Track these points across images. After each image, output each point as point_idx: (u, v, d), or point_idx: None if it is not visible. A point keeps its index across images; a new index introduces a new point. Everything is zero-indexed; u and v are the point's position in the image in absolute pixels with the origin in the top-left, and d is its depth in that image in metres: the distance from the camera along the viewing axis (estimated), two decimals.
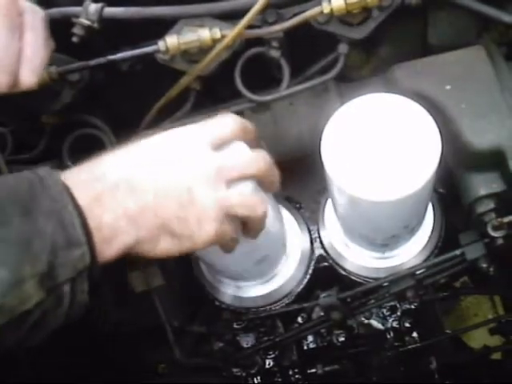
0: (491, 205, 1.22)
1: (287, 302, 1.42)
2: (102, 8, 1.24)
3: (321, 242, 1.42)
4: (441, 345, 1.54)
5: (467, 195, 1.25)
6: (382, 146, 1.07)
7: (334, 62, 1.30)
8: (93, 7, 1.23)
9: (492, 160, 1.19)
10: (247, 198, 1.01)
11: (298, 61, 1.33)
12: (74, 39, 1.23)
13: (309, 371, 1.53)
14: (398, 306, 1.52)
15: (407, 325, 1.51)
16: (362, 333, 1.52)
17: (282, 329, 1.49)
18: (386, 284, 1.34)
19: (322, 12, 1.23)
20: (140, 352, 1.60)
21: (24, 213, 0.85)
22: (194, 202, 0.96)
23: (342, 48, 1.28)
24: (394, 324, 1.51)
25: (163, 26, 1.26)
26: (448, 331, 1.62)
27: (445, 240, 1.37)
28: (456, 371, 1.58)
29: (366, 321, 1.52)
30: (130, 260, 1.06)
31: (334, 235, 1.40)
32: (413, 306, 1.50)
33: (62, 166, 1.32)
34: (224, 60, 1.27)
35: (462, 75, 1.24)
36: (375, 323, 1.52)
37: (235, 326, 1.47)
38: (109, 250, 0.92)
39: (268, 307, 1.42)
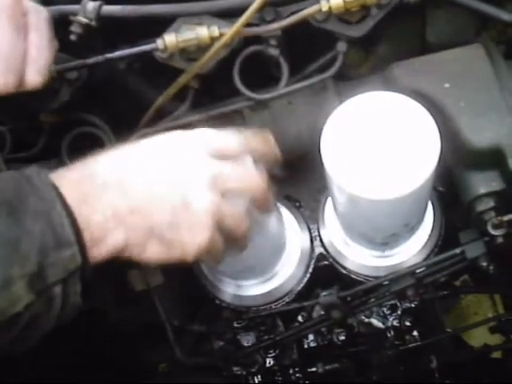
0: (491, 203, 1.22)
1: (287, 300, 1.42)
2: (100, 6, 1.24)
3: (321, 241, 1.42)
4: (441, 343, 1.54)
5: (467, 193, 1.24)
6: (382, 145, 1.07)
7: (332, 60, 1.30)
8: (91, 5, 1.23)
9: (491, 158, 1.19)
10: (237, 212, 1.00)
11: (297, 59, 1.33)
12: (72, 37, 1.22)
13: (309, 370, 1.53)
14: (398, 304, 1.52)
15: (407, 323, 1.51)
16: (363, 331, 1.52)
17: (283, 327, 1.49)
18: (386, 283, 1.34)
19: (320, 10, 1.22)
20: (140, 351, 1.61)
21: (11, 213, 0.84)
22: (187, 208, 0.94)
23: (341, 46, 1.28)
24: (395, 323, 1.51)
25: (161, 24, 1.25)
26: (448, 330, 1.62)
27: (445, 238, 1.37)
28: (456, 370, 1.58)
29: (367, 319, 1.52)
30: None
31: (334, 234, 1.40)
32: (413, 305, 1.50)
33: (61, 165, 1.32)
34: (222, 58, 1.27)
35: (461, 73, 1.23)
36: (375, 322, 1.52)
37: (235, 324, 1.47)
38: (98, 250, 0.91)
39: (268, 306, 1.42)
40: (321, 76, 1.31)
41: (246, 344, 1.48)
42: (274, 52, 1.28)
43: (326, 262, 1.42)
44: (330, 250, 1.41)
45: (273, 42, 1.26)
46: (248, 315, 1.43)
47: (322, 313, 1.40)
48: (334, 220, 1.37)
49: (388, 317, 1.52)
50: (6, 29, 1.02)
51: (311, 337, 1.53)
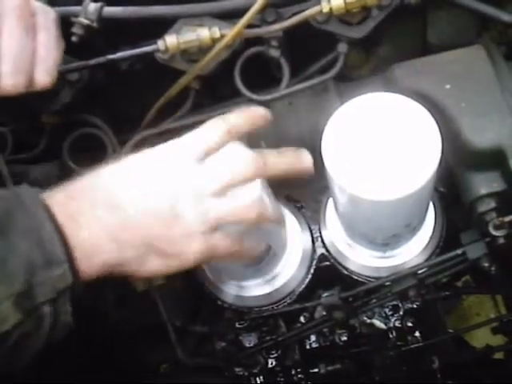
0: (492, 204, 1.22)
1: (289, 301, 1.42)
2: (102, 7, 1.24)
3: (322, 242, 1.42)
4: (443, 344, 1.54)
5: (468, 194, 1.24)
6: (383, 146, 1.07)
7: (333, 61, 1.30)
8: (92, 6, 1.23)
9: (492, 159, 1.19)
10: (239, 204, 1.00)
11: (298, 60, 1.33)
12: (74, 38, 1.23)
13: (311, 371, 1.53)
14: (400, 305, 1.51)
15: (409, 324, 1.50)
16: (365, 332, 1.51)
17: (285, 328, 1.48)
18: (387, 283, 1.34)
19: (321, 11, 1.23)
20: (141, 352, 1.60)
21: None
22: (178, 220, 0.94)
23: (342, 47, 1.28)
24: (397, 323, 1.51)
25: (162, 26, 1.26)
26: (450, 330, 1.62)
27: (446, 239, 1.36)
28: (458, 371, 1.57)
29: (369, 320, 1.52)
30: None
31: (335, 234, 1.40)
32: (415, 306, 1.50)
33: (63, 166, 1.32)
34: (223, 59, 1.27)
35: (462, 74, 1.23)
36: (377, 322, 1.52)
37: (237, 325, 1.47)
38: (89, 267, 0.90)
39: (270, 307, 1.42)
40: (322, 77, 1.31)
41: (247, 345, 1.48)
42: (275, 53, 1.28)
43: (328, 263, 1.42)
44: (331, 250, 1.41)
45: (274, 43, 1.27)
46: (250, 316, 1.43)
47: (324, 313, 1.40)
48: (336, 221, 1.37)
49: (390, 317, 1.52)
50: (15, 29, 1.03)
51: (313, 337, 1.53)
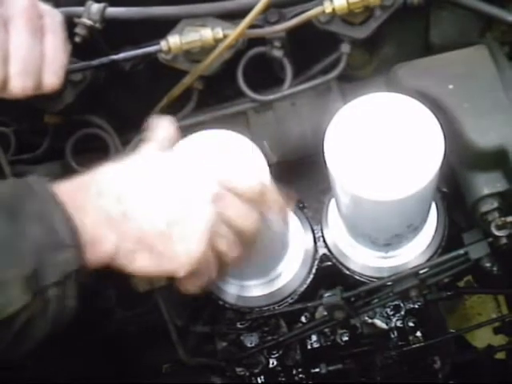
0: (495, 204, 1.22)
1: (291, 301, 1.42)
2: (104, 8, 1.24)
3: (324, 242, 1.42)
4: (445, 344, 1.54)
5: (470, 194, 1.24)
6: (385, 146, 1.07)
7: (336, 61, 1.31)
8: (95, 7, 1.24)
9: (495, 159, 1.19)
10: (241, 209, 1.01)
11: (301, 60, 1.33)
12: (77, 39, 1.23)
13: (312, 371, 1.53)
14: (401, 305, 1.52)
15: (411, 324, 1.51)
16: (366, 332, 1.52)
17: (286, 328, 1.49)
18: (389, 283, 1.34)
19: (324, 11, 1.23)
20: (143, 352, 1.61)
21: (9, 215, 0.85)
22: (184, 220, 0.94)
23: (345, 47, 1.28)
24: (398, 323, 1.52)
25: (165, 26, 1.26)
26: (452, 330, 1.62)
27: (448, 239, 1.36)
28: (460, 370, 1.58)
29: (370, 320, 1.53)
30: None
31: (337, 234, 1.40)
32: (417, 306, 1.50)
33: (66, 166, 1.32)
34: (226, 60, 1.28)
35: (465, 74, 1.23)
36: (379, 322, 1.52)
37: (239, 325, 1.48)
38: (93, 254, 0.91)
39: (272, 307, 1.42)
40: (325, 77, 1.31)
41: (249, 345, 1.49)
42: (277, 53, 1.28)
43: (330, 263, 1.42)
44: (333, 250, 1.41)
45: (277, 43, 1.27)
46: (251, 316, 1.43)
47: (326, 313, 1.40)
48: (338, 221, 1.37)
49: (391, 317, 1.52)
50: (23, 32, 1.04)
51: (314, 337, 1.54)
